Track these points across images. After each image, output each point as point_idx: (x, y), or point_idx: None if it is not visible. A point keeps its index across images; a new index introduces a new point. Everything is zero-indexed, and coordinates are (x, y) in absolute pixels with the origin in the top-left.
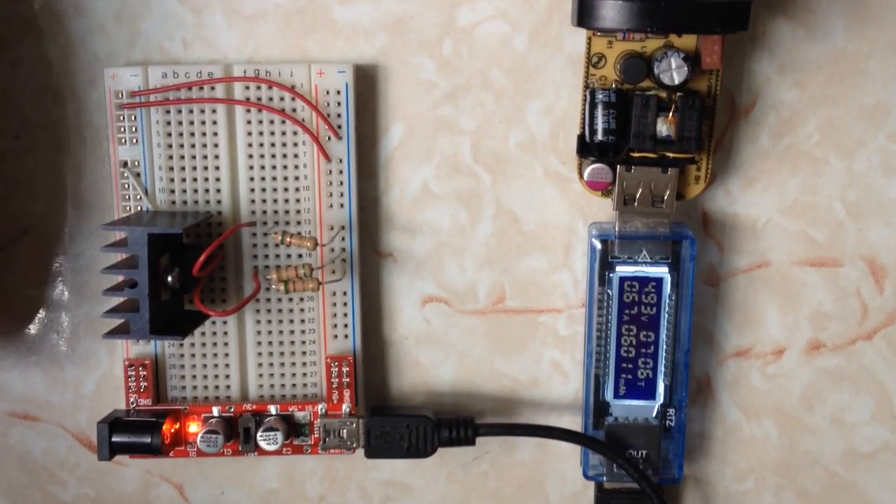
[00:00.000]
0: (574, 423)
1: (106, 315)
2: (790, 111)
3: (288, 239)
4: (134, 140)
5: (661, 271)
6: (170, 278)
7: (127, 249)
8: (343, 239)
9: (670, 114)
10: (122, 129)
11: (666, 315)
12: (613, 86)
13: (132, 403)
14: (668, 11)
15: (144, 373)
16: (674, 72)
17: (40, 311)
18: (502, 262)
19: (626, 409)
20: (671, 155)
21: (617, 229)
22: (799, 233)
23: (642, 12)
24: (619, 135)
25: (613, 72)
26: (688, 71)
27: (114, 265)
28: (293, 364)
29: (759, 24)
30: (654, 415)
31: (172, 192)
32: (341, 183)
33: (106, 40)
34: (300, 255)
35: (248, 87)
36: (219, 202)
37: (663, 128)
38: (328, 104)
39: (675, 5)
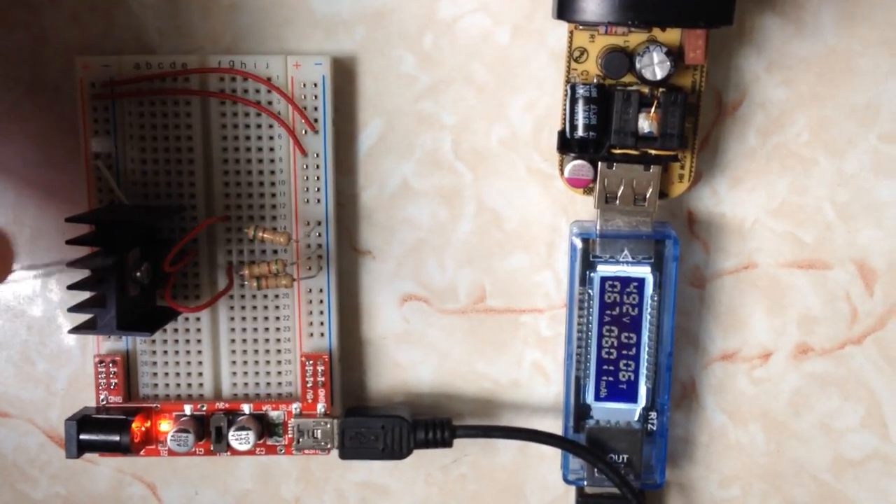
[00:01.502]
0: (556, 425)
1: (72, 310)
2: (779, 109)
3: (260, 234)
4: (107, 131)
5: (644, 271)
6: (139, 273)
7: (94, 243)
8: (319, 235)
9: (652, 110)
10: (95, 121)
11: (648, 316)
12: (595, 80)
13: (102, 401)
14: (651, 4)
15: (115, 369)
16: (656, 66)
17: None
18: (483, 260)
19: (608, 412)
20: (653, 152)
21: (598, 228)
22: (787, 234)
23: (624, 5)
24: (601, 131)
25: (595, 66)
26: (670, 66)
27: (79, 259)
28: (267, 362)
29: (746, 19)
30: (636, 418)
31: (145, 185)
32: (318, 178)
33: (80, 30)
34: (276, 251)
35: (222, 79)
36: (192, 196)
37: (645, 124)
38: (304, 97)
39: None
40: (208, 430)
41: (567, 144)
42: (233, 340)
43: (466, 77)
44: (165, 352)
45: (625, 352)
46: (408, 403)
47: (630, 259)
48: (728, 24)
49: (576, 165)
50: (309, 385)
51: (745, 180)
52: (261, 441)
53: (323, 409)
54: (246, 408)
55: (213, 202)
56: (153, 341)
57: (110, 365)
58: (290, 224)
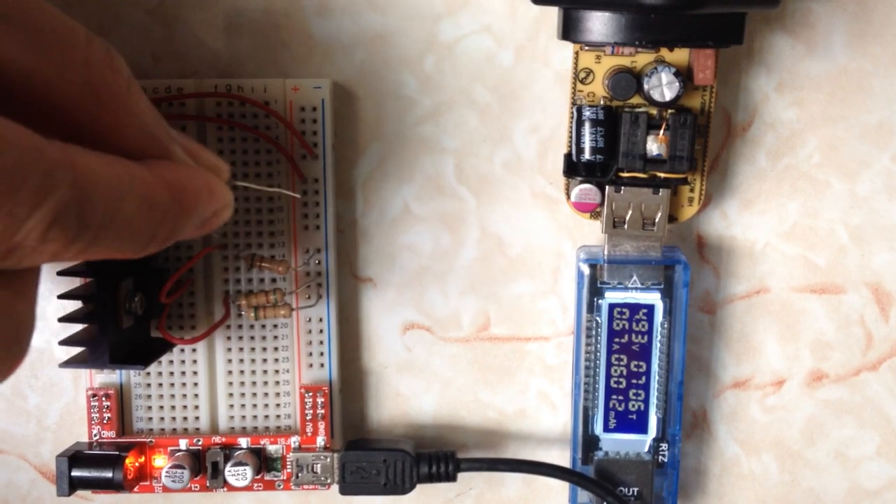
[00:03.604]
0: (563, 457)
1: (63, 343)
2: (789, 130)
3: (258, 263)
4: None
5: (653, 298)
6: (132, 304)
7: (85, 274)
8: (318, 262)
9: (661, 132)
10: None
11: (658, 344)
12: (602, 102)
13: (95, 436)
14: (659, 24)
15: (108, 403)
16: (664, 87)
17: None
18: (487, 287)
19: (617, 443)
20: (662, 175)
21: (606, 253)
22: (799, 257)
23: (631, 25)
24: (608, 154)
25: (602, 88)
26: (679, 87)
27: (70, 291)
28: (265, 394)
29: (756, 39)
30: (646, 449)
31: None
32: (317, 204)
33: None
34: (274, 280)
35: (219, 104)
36: None
37: (654, 146)
38: (303, 121)
39: (665, 18)
40: (204, 466)
41: (573, 168)
42: (230, 372)
43: (469, 100)
44: (160, 385)
45: (634, 381)
46: (410, 435)
47: (639, 285)
48: (738, 43)
49: (583, 189)
50: (308, 418)
51: (755, 203)
52: (258, 476)
53: (323, 443)
54: (243, 442)
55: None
56: (147, 374)
57: (103, 399)
58: (288, 251)
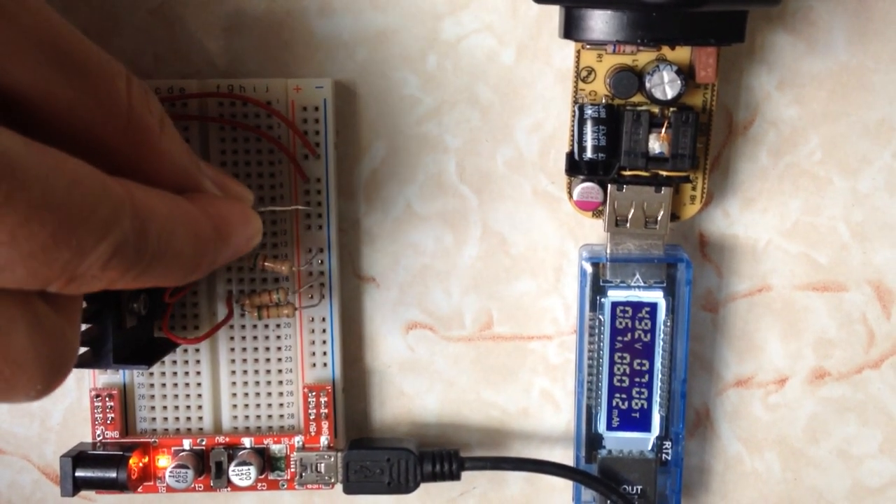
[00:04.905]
0: (566, 455)
1: None
2: (791, 128)
3: (261, 262)
4: None
5: (656, 296)
6: (136, 304)
7: None
8: (321, 262)
9: (663, 130)
10: None
11: (661, 342)
12: (603, 101)
13: (99, 436)
14: (660, 22)
15: (112, 403)
16: (666, 86)
17: None
18: (490, 286)
19: (620, 441)
20: (664, 173)
21: (608, 252)
22: (801, 255)
23: (632, 23)
24: (610, 152)
25: (603, 86)
26: (681, 85)
27: None
28: (269, 394)
29: (757, 37)
30: (649, 448)
31: None
32: (319, 203)
33: None
34: (277, 280)
35: (221, 104)
36: None
37: (656, 145)
38: (305, 121)
39: (667, 16)
40: (208, 466)
41: (576, 166)
42: (233, 372)
43: (471, 98)
44: (164, 385)
45: (637, 379)
46: (414, 434)
47: (641, 283)
48: (740, 41)
49: (585, 188)
50: (312, 417)
51: (757, 201)
52: (262, 476)
53: (326, 442)
54: (247, 442)
55: None
56: (151, 374)
57: (107, 399)
58: (291, 251)
